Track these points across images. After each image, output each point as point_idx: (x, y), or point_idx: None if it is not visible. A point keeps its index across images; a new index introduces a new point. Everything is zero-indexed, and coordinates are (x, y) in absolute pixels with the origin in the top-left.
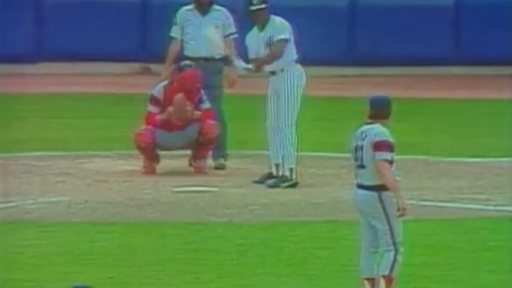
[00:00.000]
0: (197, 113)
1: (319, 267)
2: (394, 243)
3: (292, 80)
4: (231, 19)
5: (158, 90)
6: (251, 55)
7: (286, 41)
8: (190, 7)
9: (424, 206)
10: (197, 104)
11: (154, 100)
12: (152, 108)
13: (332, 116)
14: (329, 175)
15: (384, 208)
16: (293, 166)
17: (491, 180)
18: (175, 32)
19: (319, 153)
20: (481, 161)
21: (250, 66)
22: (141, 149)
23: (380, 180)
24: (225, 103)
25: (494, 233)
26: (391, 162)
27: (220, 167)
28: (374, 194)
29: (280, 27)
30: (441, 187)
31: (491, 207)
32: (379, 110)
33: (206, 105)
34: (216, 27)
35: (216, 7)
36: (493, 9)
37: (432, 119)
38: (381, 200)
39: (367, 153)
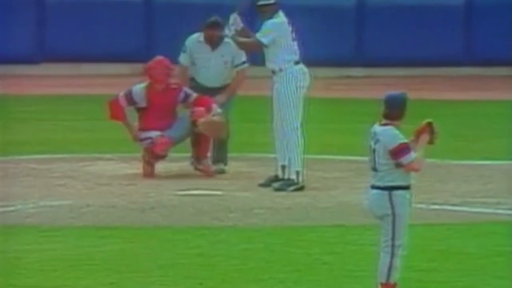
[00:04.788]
0: (218, 115)
1: (325, 272)
2: (393, 245)
3: (291, 81)
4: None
5: (137, 91)
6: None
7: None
8: (200, 37)
9: (434, 210)
10: (184, 100)
11: (128, 95)
12: (122, 100)
13: (340, 117)
14: (336, 178)
15: (393, 208)
16: (300, 169)
17: (503, 183)
18: (183, 59)
19: (326, 155)
20: (492, 164)
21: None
22: (158, 157)
23: (392, 181)
24: (232, 104)
25: (506, 238)
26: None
27: (220, 172)
28: (385, 192)
29: (264, 28)
30: (451, 190)
31: (502, 211)
32: (393, 110)
33: (193, 96)
34: (225, 62)
35: (225, 40)
36: (504, 9)
37: (442, 120)
38: (391, 200)
39: (379, 158)
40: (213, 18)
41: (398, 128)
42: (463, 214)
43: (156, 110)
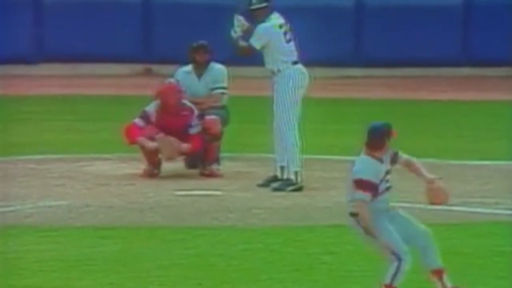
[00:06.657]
0: (184, 145)
1: (324, 272)
2: (395, 254)
3: (288, 82)
4: (224, 73)
5: (150, 109)
6: None
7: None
8: (188, 68)
9: (433, 210)
10: (188, 127)
11: (144, 116)
12: (139, 121)
13: (338, 118)
14: (335, 178)
15: (368, 227)
16: (298, 169)
17: (501, 184)
18: None
19: (325, 156)
20: (490, 164)
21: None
22: (146, 153)
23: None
24: (231, 105)
25: (504, 238)
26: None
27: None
28: (352, 219)
29: (256, 33)
30: (449, 190)
31: (501, 211)
32: (372, 139)
33: (195, 130)
34: (211, 90)
35: (212, 65)
36: (501, 10)
37: (440, 121)
38: (359, 225)
39: (347, 185)
40: (199, 42)
41: (380, 159)
42: (462, 214)
43: (165, 132)
